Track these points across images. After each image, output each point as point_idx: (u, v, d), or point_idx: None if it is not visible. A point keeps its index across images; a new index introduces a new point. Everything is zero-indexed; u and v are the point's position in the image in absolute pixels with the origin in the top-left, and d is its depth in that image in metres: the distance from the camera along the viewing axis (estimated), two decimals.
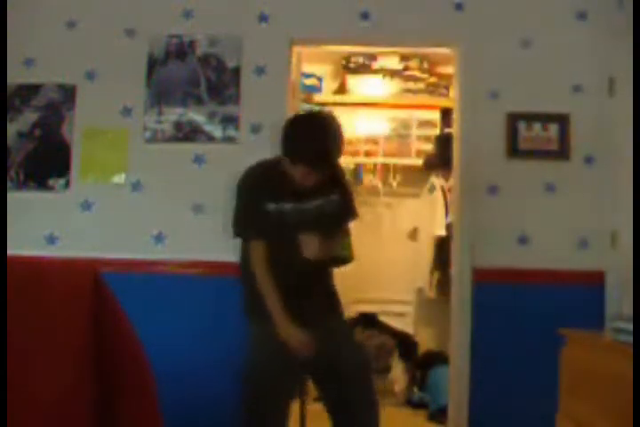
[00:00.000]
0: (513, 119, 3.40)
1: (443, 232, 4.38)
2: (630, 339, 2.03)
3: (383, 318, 4.71)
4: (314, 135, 2.26)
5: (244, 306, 2.48)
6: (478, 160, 3.40)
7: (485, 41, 3.45)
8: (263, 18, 3.50)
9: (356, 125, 4.91)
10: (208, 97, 3.46)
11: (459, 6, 3.47)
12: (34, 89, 3.51)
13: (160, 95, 3.48)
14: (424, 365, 4.40)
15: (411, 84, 4.80)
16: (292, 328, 2.30)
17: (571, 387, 2.42)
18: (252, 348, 2.44)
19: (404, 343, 4.61)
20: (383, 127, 4.89)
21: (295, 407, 2.89)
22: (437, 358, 4.30)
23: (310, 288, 2.43)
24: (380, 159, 4.81)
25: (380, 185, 4.83)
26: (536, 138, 3.40)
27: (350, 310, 4.25)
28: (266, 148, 3.40)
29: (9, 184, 3.45)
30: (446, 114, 4.53)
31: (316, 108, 3.03)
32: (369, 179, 4.87)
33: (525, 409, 3.18)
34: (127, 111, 3.48)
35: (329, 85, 4.96)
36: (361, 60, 4.76)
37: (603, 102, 3.38)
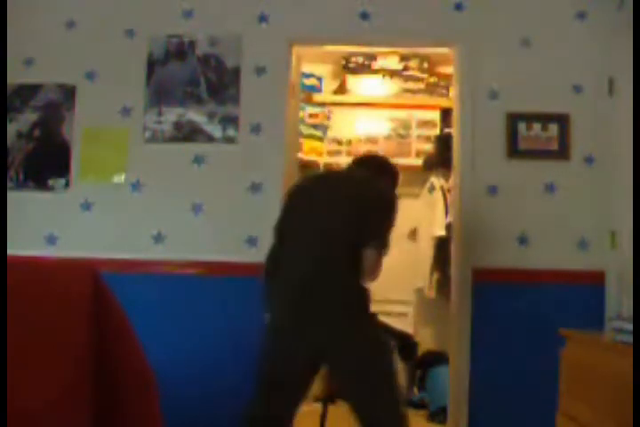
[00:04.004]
0: (513, 119, 3.40)
1: (443, 232, 4.38)
2: (630, 339, 2.04)
3: (383, 318, 4.70)
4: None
5: (355, 308, 2.44)
6: (478, 160, 3.40)
7: (485, 41, 3.45)
8: (263, 18, 3.50)
9: (356, 125, 4.92)
10: (208, 97, 3.46)
11: (459, 6, 3.47)
12: (34, 89, 3.51)
13: (160, 95, 3.48)
14: (424, 365, 4.40)
15: (410, 84, 4.80)
16: None
17: (571, 387, 2.42)
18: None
19: (404, 343, 4.60)
20: (383, 127, 4.89)
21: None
22: (437, 358, 4.30)
23: None
24: None
25: None
26: (536, 138, 3.40)
27: None
28: (266, 148, 3.43)
29: (9, 184, 3.45)
30: (446, 114, 4.53)
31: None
32: None
33: (525, 409, 3.18)
34: (127, 111, 3.48)
35: (329, 85, 4.96)
36: (361, 60, 4.77)
37: (603, 102, 3.38)
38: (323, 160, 4.82)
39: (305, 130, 4.64)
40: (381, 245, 2.46)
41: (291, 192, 2.69)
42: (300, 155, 4.34)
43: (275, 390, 2.46)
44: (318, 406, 3.23)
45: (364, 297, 2.46)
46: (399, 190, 2.75)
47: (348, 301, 2.42)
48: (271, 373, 2.48)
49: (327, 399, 3.15)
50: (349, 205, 2.49)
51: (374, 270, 2.44)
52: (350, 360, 2.39)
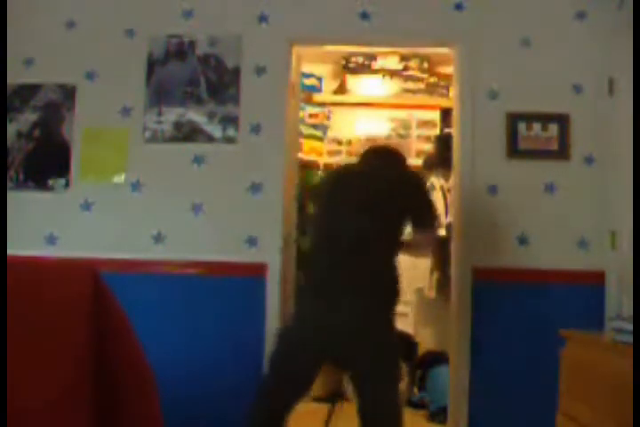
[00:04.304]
0: (513, 119, 3.40)
1: (442, 232, 4.37)
2: (630, 339, 2.04)
3: None
4: None
5: (393, 295, 2.57)
6: (478, 160, 3.40)
7: (485, 41, 3.45)
8: (263, 18, 3.50)
9: (356, 125, 4.92)
10: (208, 97, 3.46)
11: (459, 6, 3.47)
12: (34, 89, 3.51)
13: (160, 95, 3.48)
14: (424, 365, 4.40)
15: (410, 84, 4.80)
16: None
17: (571, 387, 2.42)
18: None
19: (405, 343, 4.61)
20: (383, 127, 4.89)
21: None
22: (437, 358, 4.30)
23: None
24: None
25: None
26: (536, 138, 3.40)
27: None
28: (266, 148, 3.43)
29: (9, 184, 3.45)
30: (446, 114, 4.53)
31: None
32: None
33: (525, 409, 3.18)
34: (127, 111, 3.48)
35: (329, 85, 4.96)
36: (361, 60, 4.77)
37: (603, 102, 3.38)
38: (323, 160, 4.82)
39: (305, 130, 4.64)
40: (430, 226, 2.70)
41: (323, 190, 2.79)
42: (300, 155, 4.34)
43: (285, 382, 2.51)
44: (318, 406, 3.24)
45: (390, 300, 2.56)
46: None
47: (373, 303, 2.50)
48: (285, 366, 2.54)
49: (334, 399, 3.16)
50: (388, 205, 2.58)
51: (425, 248, 2.88)
52: (363, 360, 2.48)
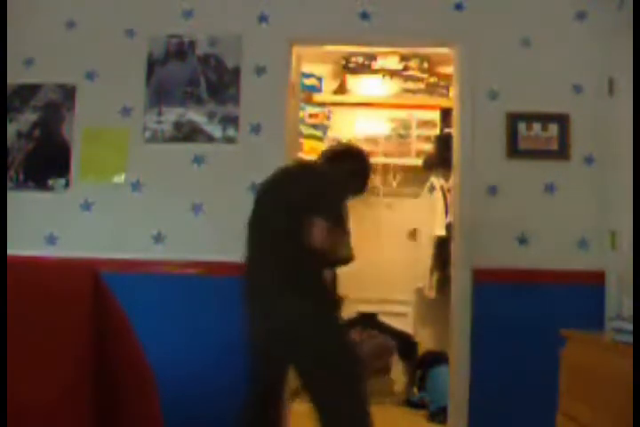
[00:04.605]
0: (513, 119, 3.40)
1: (443, 232, 4.38)
2: (630, 339, 2.03)
3: (383, 318, 4.71)
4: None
5: (321, 294, 2.42)
6: (478, 160, 3.40)
7: (485, 41, 3.45)
8: (263, 18, 3.50)
9: (356, 125, 4.92)
10: (208, 97, 3.46)
11: (458, 6, 3.47)
12: (34, 89, 3.51)
13: (160, 95, 3.48)
14: (424, 365, 4.41)
15: (410, 84, 4.80)
16: None
17: (571, 387, 2.42)
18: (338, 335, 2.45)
19: (404, 343, 4.61)
20: (383, 127, 4.89)
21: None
22: (437, 358, 4.30)
23: None
24: (379, 159, 4.81)
25: (379, 185, 4.84)
26: (536, 138, 3.40)
27: (350, 310, 4.26)
28: (265, 148, 3.43)
29: (9, 184, 3.45)
30: (446, 114, 4.53)
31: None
32: None
33: (525, 409, 3.18)
34: (127, 111, 3.48)
35: (329, 85, 4.96)
36: (361, 60, 4.77)
37: (603, 102, 3.38)
38: None
39: (305, 130, 4.64)
40: (330, 218, 2.34)
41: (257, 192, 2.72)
42: (300, 155, 4.34)
43: (258, 393, 2.57)
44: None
45: (320, 299, 2.41)
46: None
47: (289, 308, 2.36)
48: (253, 376, 2.60)
49: None
50: (293, 198, 2.44)
51: (320, 238, 2.32)
52: (303, 368, 2.39)
